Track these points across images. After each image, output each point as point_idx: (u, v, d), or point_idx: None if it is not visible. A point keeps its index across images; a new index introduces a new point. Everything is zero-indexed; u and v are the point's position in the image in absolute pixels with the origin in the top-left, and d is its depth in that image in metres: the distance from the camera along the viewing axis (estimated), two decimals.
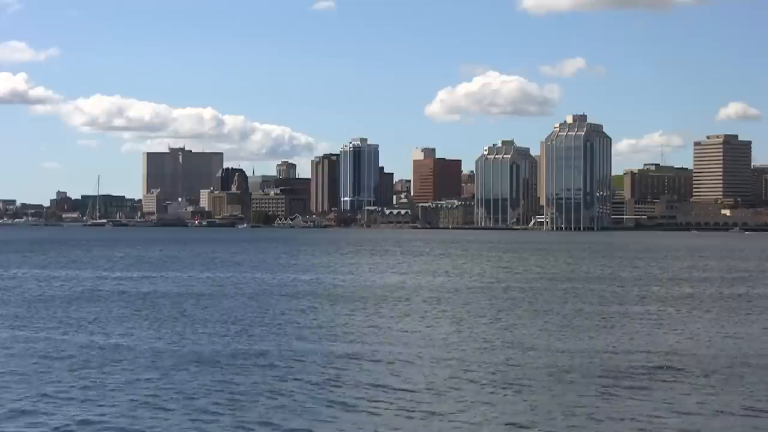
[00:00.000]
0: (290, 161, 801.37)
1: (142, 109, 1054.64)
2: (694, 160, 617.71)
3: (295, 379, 31.06)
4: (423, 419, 25.53)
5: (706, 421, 25.54)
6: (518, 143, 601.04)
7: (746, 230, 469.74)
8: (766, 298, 65.35)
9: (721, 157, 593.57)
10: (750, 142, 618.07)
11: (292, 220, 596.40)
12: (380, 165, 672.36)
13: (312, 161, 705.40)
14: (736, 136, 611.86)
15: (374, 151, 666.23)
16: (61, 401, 27.71)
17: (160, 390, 29.19)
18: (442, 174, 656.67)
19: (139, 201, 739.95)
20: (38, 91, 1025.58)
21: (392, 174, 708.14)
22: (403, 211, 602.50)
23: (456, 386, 30.01)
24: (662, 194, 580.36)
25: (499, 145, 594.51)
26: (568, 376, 31.86)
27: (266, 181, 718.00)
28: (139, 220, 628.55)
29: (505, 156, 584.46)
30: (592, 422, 25.33)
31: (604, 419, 25.61)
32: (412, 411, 26.43)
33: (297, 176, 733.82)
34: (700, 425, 25.11)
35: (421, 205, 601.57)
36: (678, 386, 30.15)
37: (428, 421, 25.39)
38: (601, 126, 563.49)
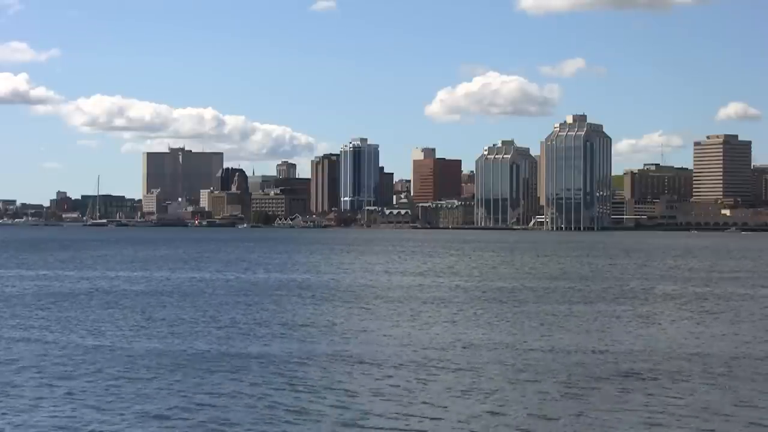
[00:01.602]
0: (290, 161, 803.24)
1: (142, 109, 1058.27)
2: (694, 160, 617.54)
3: (261, 383, 31.02)
4: (388, 420, 25.48)
5: (669, 424, 25.47)
6: (518, 143, 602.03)
7: (743, 230, 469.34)
8: (738, 297, 65.30)
9: (721, 157, 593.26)
10: (750, 142, 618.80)
11: (292, 220, 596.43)
12: (380, 165, 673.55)
13: (312, 161, 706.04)
14: (736, 136, 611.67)
15: (374, 151, 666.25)
16: (25, 402, 27.66)
17: (129, 393, 29.12)
18: (442, 174, 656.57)
19: (139, 201, 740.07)
20: (39, 92, 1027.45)
21: (392, 174, 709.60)
22: (403, 211, 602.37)
23: (418, 388, 29.93)
24: (662, 194, 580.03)
25: (499, 145, 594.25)
26: (538, 376, 31.79)
27: (266, 181, 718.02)
28: (139, 220, 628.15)
29: (505, 156, 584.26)
30: (559, 425, 25.27)
31: (568, 422, 25.54)
32: (380, 415, 26.36)
33: (297, 176, 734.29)
34: (665, 428, 25.05)
35: (421, 205, 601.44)
36: (644, 388, 30.08)
37: (390, 422, 25.31)
38: (601, 126, 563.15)
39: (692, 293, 69.59)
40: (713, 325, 48.29)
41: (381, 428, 24.70)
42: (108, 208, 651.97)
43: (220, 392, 29.04)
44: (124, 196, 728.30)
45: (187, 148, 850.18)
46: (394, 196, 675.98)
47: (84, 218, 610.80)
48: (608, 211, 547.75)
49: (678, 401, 28.06)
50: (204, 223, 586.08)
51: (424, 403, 27.68)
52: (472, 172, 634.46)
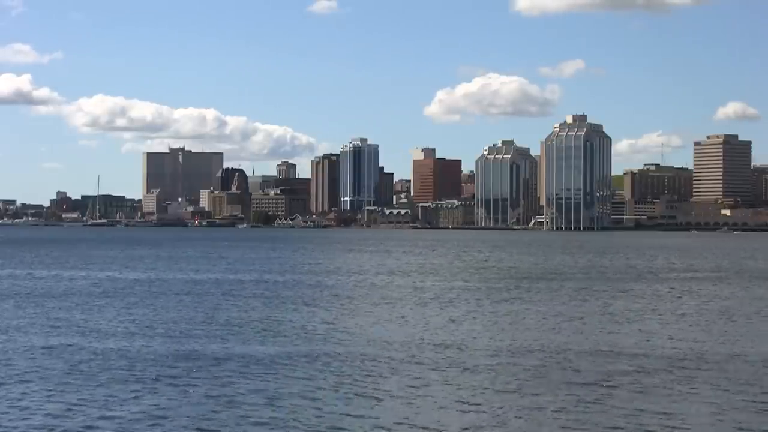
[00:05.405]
0: (291, 161, 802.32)
1: (143, 110, 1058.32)
2: (694, 160, 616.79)
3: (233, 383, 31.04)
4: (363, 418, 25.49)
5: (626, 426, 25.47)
6: (518, 143, 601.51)
7: (736, 230, 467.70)
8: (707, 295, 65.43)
9: (721, 157, 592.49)
10: (750, 142, 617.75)
11: (292, 220, 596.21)
12: (380, 165, 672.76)
13: (312, 161, 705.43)
14: (736, 136, 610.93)
15: (374, 151, 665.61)
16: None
17: (101, 394, 29.12)
18: (442, 174, 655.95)
19: (139, 201, 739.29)
20: (42, 92, 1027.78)
21: (392, 174, 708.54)
22: (403, 211, 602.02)
23: (391, 386, 29.97)
24: (662, 194, 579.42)
25: (499, 145, 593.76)
26: (511, 373, 31.78)
27: (266, 181, 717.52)
28: (139, 220, 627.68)
29: (505, 156, 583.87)
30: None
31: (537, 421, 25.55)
32: (361, 416, 26.38)
33: (297, 176, 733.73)
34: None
35: (421, 205, 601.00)
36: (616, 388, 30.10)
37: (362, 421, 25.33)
38: (600, 126, 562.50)
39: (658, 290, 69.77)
40: (679, 323, 48.37)
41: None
42: (108, 208, 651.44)
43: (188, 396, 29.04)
44: (124, 196, 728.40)
45: (187, 148, 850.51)
46: (394, 196, 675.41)
47: (84, 218, 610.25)
48: (608, 211, 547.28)
49: (611, 401, 28.09)
50: (204, 223, 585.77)
51: (397, 398, 27.72)
52: (472, 172, 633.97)
